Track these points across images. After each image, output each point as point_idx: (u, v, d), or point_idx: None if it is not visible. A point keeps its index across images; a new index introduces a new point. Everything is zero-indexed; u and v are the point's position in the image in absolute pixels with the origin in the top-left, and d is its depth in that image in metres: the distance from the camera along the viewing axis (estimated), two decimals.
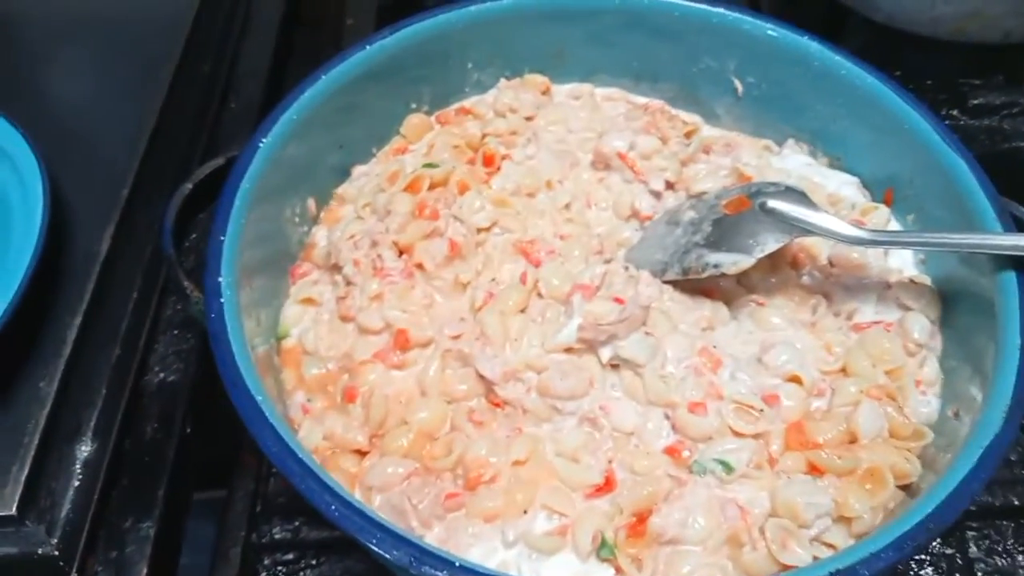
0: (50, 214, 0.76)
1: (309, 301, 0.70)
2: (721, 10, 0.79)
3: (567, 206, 0.74)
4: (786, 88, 0.79)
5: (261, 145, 0.66)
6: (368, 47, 0.74)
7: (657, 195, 0.74)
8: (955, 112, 0.99)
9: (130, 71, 0.95)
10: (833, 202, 0.75)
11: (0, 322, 0.68)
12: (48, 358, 0.73)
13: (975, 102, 0.98)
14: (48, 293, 0.76)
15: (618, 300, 0.62)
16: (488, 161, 0.77)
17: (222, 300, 0.57)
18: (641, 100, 0.85)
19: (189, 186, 0.68)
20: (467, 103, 0.83)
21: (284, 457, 0.51)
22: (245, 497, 0.74)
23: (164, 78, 0.93)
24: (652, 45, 0.82)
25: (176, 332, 0.80)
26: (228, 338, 0.55)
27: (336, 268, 0.69)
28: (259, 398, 0.53)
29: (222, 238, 0.60)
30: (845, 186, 0.76)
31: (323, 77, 0.72)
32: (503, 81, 0.84)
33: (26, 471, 0.66)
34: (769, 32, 0.77)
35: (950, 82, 1.01)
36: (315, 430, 0.61)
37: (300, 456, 0.51)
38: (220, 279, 0.58)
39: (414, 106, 0.81)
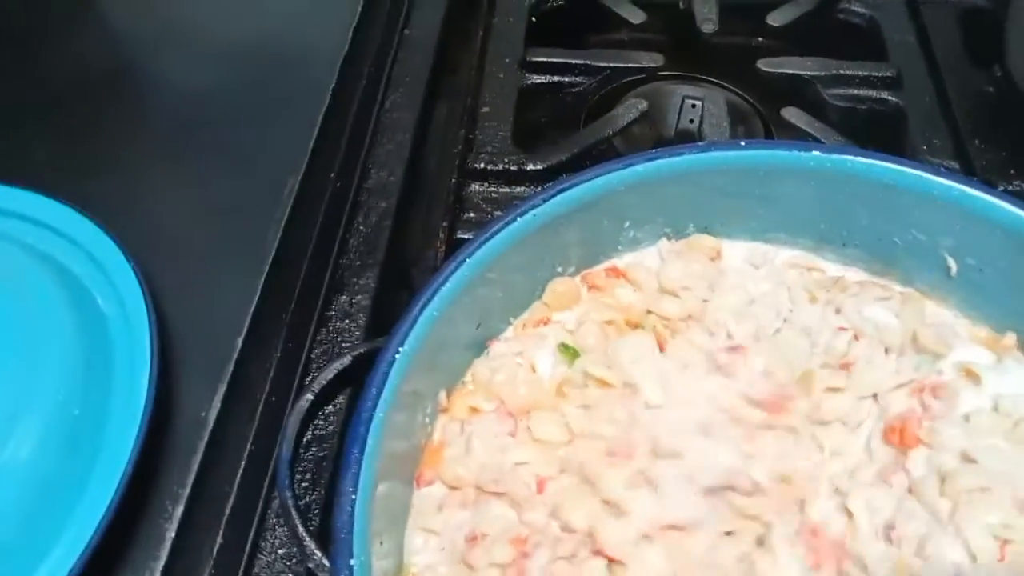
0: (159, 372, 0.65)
1: (431, 531, 0.59)
2: (947, 183, 0.64)
3: None
4: (1015, 278, 0.64)
5: (398, 356, 0.56)
6: (519, 219, 0.62)
7: None
8: None
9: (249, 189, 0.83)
10: None
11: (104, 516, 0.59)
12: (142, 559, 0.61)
13: None
14: (147, 474, 0.65)
15: None
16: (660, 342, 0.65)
17: None
18: (834, 270, 0.71)
19: (309, 398, 0.58)
20: (619, 263, 0.71)
21: None
22: None
23: (286, 199, 0.80)
24: (848, 209, 0.68)
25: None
26: None
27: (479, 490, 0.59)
28: None
29: (353, 497, 0.50)
30: None
31: (467, 261, 0.60)
32: (664, 242, 0.71)
33: None
34: (1005, 216, 0.62)
35: None
36: None
37: None
38: (352, 561, 0.48)
39: (560, 269, 0.69)
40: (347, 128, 0.88)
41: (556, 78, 1.05)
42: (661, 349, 0.65)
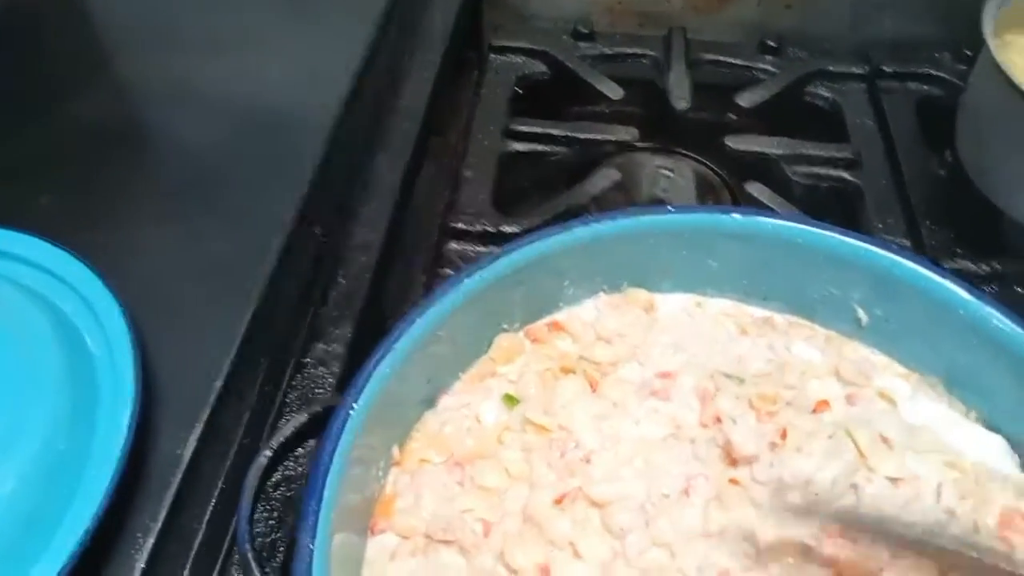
0: (140, 411, 0.69)
1: None
2: (852, 241, 0.71)
3: None
4: (921, 329, 0.71)
5: (351, 413, 0.61)
6: (466, 280, 0.69)
7: None
8: None
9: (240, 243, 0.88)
10: (979, 471, 0.66)
11: (78, 547, 0.63)
12: None
13: None
14: (122, 507, 0.70)
15: None
16: (592, 384, 0.71)
17: None
18: (760, 314, 0.78)
19: (268, 454, 0.62)
20: (560, 317, 0.77)
21: None
22: None
23: (274, 246, 0.85)
24: (767, 266, 0.75)
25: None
26: None
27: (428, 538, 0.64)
28: None
29: (311, 548, 0.54)
30: (991, 450, 0.68)
31: (417, 320, 0.66)
32: (602, 296, 0.78)
33: None
34: (906, 271, 0.70)
35: None
36: None
37: None
38: None
39: (505, 326, 0.75)
40: (336, 188, 0.94)
41: (537, 147, 1.12)
42: (593, 390, 0.71)
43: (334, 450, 0.58)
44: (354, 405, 0.61)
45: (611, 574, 0.62)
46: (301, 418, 0.64)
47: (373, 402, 0.62)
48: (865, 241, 0.71)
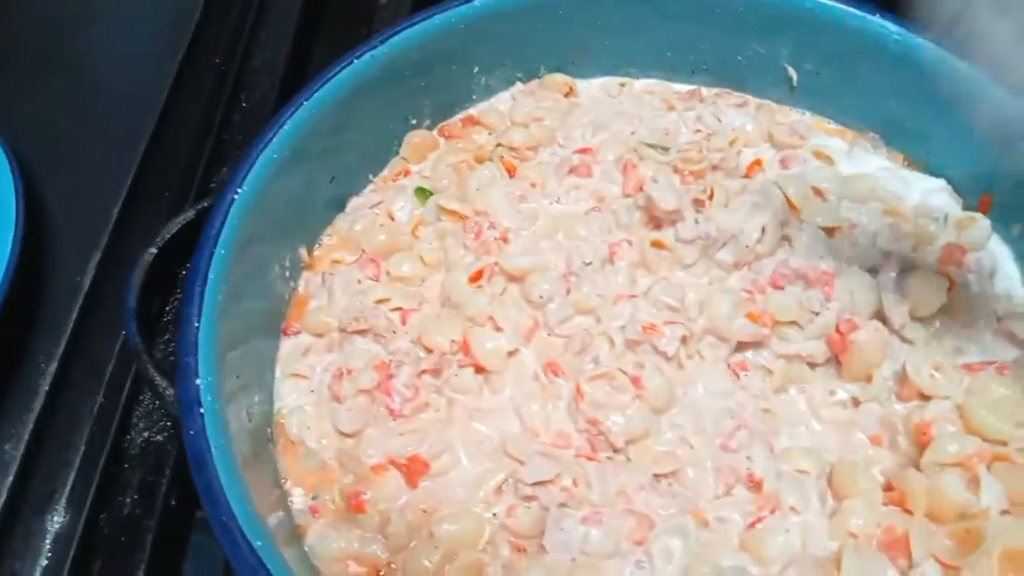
0: (24, 232, 0.65)
1: (299, 376, 0.60)
2: None
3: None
4: (853, 76, 0.67)
5: (236, 197, 0.56)
6: (356, 61, 0.62)
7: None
8: None
9: (133, 63, 0.84)
10: (921, 215, 0.63)
11: None
12: (17, 412, 0.62)
13: None
14: (21, 332, 0.66)
15: None
16: (510, 170, 0.67)
17: (202, 411, 0.48)
18: (684, 89, 0.73)
19: (153, 251, 0.58)
20: (475, 111, 0.72)
21: None
22: None
23: (168, 72, 0.80)
24: (686, 30, 0.70)
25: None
26: (213, 463, 0.46)
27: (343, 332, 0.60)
28: (258, 543, 0.44)
29: (196, 324, 0.50)
30: (933, 194, 0.64)
31: (304, 103, 0.60)
32: (518, 85, 0.72)
33: None
34: (830, 11, 0.64)
35: None
36: (327, 537, 0.52)
37: None
38: (198, 381, 0.49)
39: (414, 121, 0.70)
40: (231, 12, 0.88)
41: None
42: (511, 175, 0.66)
43: (218, 233, 0.54)
44: (238, 190, 0.56)
45: (533, 342, 0.59)
46: (188, 215, 0.59)
47: (261, 189, 0.57)
48: None
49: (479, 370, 0.58)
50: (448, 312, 0.60)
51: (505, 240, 0.62)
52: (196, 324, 0.51)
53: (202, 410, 0.48)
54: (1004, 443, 0.52)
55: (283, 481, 0.56)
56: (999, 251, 0.62)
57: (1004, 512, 0.50)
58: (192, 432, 0.47)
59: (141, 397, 0.67)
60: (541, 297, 0.59)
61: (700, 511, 0.52)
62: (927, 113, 0.65)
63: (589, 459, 0.54)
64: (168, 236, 0.59)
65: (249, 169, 0.57)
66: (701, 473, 0.53)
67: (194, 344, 0.50)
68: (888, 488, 0.53)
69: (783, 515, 0.52)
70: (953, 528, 0.50)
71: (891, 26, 0.63)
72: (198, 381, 0.49)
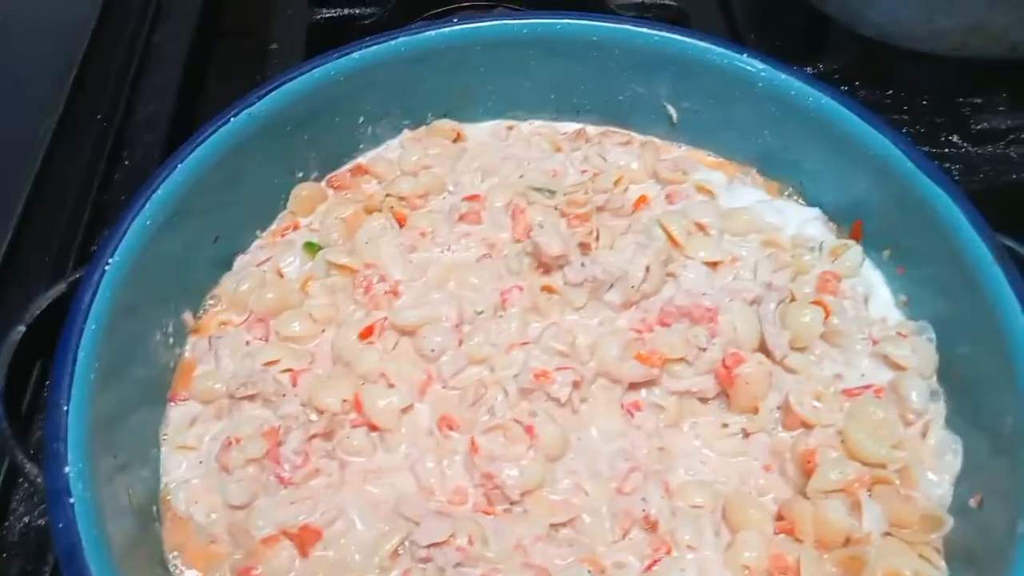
0: None
1: (186, 448, 0.58)
2: (644, 30, 0.68)
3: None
4: (729, 115, 0.69)
5: (107, 268, 0.54)
6: (232, 119, 0.61)
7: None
8: (955, 138, 0.86)
9: (6, 118, 0.81)
10: (797, 245, 0.65)
11: None
12: None
13: (978, 127, 0.86)
14: None
15: None
16: (400, 220, 0.66)
17: (72, 500, 0.45)
18: (571, 128, 0.74)
19: (22, 329, 0.55)
20: (363, 160, 0.71)
21: None
22: None
23: (46, 128, 0.78)
24: (567, 72, 0.71)
25: None
26: (83, 558, 0.43)
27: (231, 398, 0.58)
28: None
29: (65, 408, 0.48)
30: (808, 223, 0.67)
31: (179, 166, 0.59)
32: (406, 133, 0.72)
33: None
34: (701, 52, 0.67)
35: (949, 103, 0.88)
36: None
37: None
38: (67, 469, 0.47)
39: (301, 174, 0.69)
40: (112, 64, 0.85)
41: (347, 10, 1.03)
42: (401, 225, 0.66)
43: (88, 307, 0.52)
44: (109, 260, 0.54)
45: (428, 396, 0.58)
46: (60, 288, 0.57)
47: (137, 257, 0.56)
48: (659, 29, 0.68)
49: (373, 428, 0.57)
50: (339, 370, 0.59)
51: (395, 293, 0.62)
52: (65, 408, 0.49)
53: (72, 500, 0.46)
54: (883, 466, 0.54)
55: (173, 560, 0.54)
56: (872, 276, 0.64)
57: (886, 534, 0.52)
58: (61, 525, 0.45)
59: (20, 480, 0.64)
60: (433, 351, 0.59)
61: (597, 557, 0.52)
62: (797, 143, 0.67)
63: (487, 513, 0.53)
64: (37, 312, 0.56)
65: (121, 238, 0.55)
66: (597, 519, 0.53)
67: (63, 429, 0.48)
68: (780, 517, 0.54)
69: (679, 554, 0.53)
70: (839, 554, 0.51)
71: (757, 63, 0.65)
72: (67, 469, 0.47)
